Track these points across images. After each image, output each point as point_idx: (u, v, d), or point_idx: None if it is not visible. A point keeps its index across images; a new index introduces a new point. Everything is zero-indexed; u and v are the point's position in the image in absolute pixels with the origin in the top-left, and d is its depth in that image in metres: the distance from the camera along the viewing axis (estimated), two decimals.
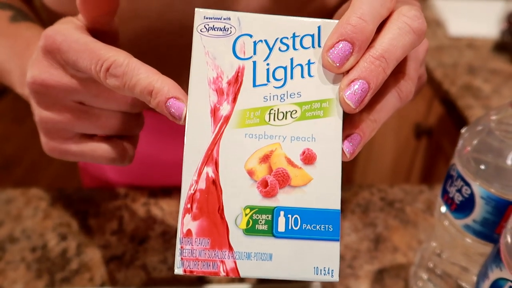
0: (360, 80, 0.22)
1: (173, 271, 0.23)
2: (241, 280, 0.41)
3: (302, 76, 0.24)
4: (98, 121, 0.28)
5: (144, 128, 0.50)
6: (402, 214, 0.49)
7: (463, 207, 0.31)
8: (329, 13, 0.24)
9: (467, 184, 0.31)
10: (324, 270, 0.23)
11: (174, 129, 0.45)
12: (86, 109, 0.28)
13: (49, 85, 0.26)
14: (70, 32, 0.25)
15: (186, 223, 0.23)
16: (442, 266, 0.37)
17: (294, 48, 0.24)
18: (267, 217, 0.23)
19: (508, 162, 0.29)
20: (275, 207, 0.23)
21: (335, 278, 0.23)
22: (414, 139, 0.92)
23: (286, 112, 0.23)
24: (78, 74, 0.26)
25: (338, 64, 0.23)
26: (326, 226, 0.23)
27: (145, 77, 0.24)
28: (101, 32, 0.27)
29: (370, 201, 0.50)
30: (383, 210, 0.49)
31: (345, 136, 0.24)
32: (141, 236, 0.45)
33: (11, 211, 0.47)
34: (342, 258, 0.44)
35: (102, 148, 0.29)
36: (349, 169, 1.43)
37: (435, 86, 0.79)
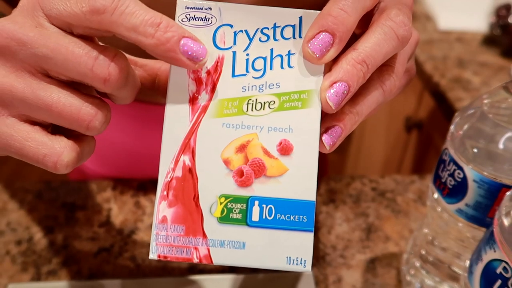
0: (341, 82, 0.22)
1: (158, 260, 0.23)
2: (232, 269, 0.41)
3: (282, 67, 0.23)
4: (53, 98, 0.22)
5: (131, 119, 0.49)
6: (394, 204, 0.48)
7: (456, 191, 0.31)
8: (322, 5, 0.23)
9: (460, 168, 0.30)
10: (297, 260, 0.23)
11: (162, 121, 0.45)
12: (47, 82, 0.22)
13: (18, 38, 0.21)
14: None
15: (162, 210, 0.23)
16: (434, 253, 0.37)
17: (275, 39, 0.24)
18: (242, 206, 0.23)
19: (501, 145, 0.29)
20: (250, 197, 0.23)
21: (308, 268, 0.23)
22: (405, 132, 0.92)
23: (264, 103, 0.23)
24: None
25: (318, 55, 0.22)
26: (301, 217, 0.23)
27: (147, 8, 0.21)
28: None
29: (361, 191, 0.50)
30: (374, 200, 0.49)
31: (326, 128, 0.24)
32: (130, 228, 0.44)
33: None
34: (334, 248, 0.43)
35: (36, 139, 0.22)
36: (340, 163, 1.43)
37: (425, 79, 0.79)
